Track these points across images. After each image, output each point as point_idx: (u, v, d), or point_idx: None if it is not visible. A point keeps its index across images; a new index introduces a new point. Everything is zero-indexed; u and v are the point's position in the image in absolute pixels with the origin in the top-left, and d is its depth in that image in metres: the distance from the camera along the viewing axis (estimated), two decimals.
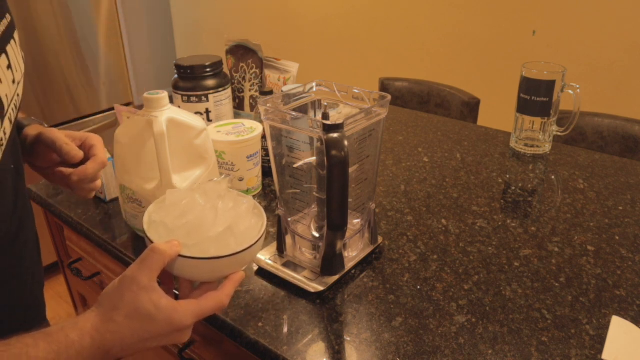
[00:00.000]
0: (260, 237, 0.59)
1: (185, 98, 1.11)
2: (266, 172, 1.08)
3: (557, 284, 0.78)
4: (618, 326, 0.70)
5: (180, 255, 0.55)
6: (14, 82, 0.55)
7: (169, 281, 0.58)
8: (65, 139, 0.68)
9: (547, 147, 1.22)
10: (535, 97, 1.16)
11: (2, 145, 0.53)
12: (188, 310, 0.53)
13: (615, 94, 1.77)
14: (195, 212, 0.60)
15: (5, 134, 0.53)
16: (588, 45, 1.78)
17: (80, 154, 0.68)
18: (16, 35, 0.59)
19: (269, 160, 1.05)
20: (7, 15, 0.57)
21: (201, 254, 0.56)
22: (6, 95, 0.53)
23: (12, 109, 0.56)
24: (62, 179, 0.70)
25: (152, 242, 0.56)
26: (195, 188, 0.64)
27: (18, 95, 0.58)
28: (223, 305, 0.56)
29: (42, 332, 0.49)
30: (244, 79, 1.26)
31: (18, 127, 0.71)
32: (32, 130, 0.71)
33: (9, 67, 0.54)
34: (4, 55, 0.54)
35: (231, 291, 0.58)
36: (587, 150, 1.24)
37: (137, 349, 0.53)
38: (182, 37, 3.13)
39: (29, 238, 0.66)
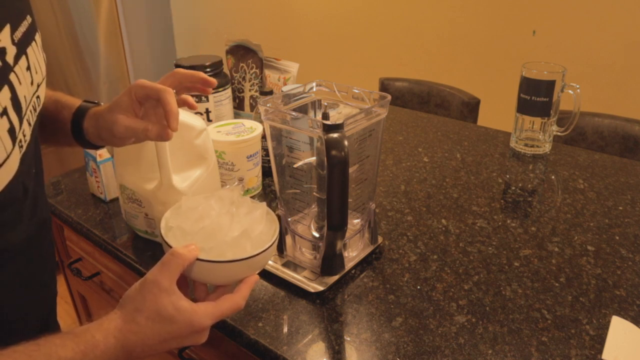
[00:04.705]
0: (274, 241, 0.61)
1: None
2: (266, 172, 1.07)
3: (557, 284, 0.78)
4: (618, 326, 0.70)
5: (198, 259, 0.56)
6: (32, 83, 0.56)
7: (185, 286, 0.59)
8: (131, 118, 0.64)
9: (547, 147, 1.22)
10: (535, 97, 1.16)
11: (21, 146, 0.53)
12: (207, 312, 0.55)
13: (615, 94, 1.77)
14: (211, 217, 0.62)
15: (24, 135, 0.54)
16: (588, 45, 1.77)
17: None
18: (38, 37, 0.59)
19: (269, 160, 1.05)
20: (28, 17, 0.57)
21: (218, 258, 0.57)
22: (24, 97, 0.54)
23: (31, 111, 0.56)
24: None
25: (170, 246, 0.57)
26: (210, 195, 0.65)
27: (38, 97, 0.58)
28: (239, 307, 0.58)
29: (69, 333, 0.50)
30: (244, 79, 1.26)
31: (79, 114, 0.70)
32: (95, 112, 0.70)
33: (28, 68, 0.55)
34: (23, 57, 0.54)
35: (247, 293, 0.59)
36: (587, 150, 1.24)
37: (158, 350, 0.54)
38: (182, 37, 3.12)
39: (46, 243, 0.66)
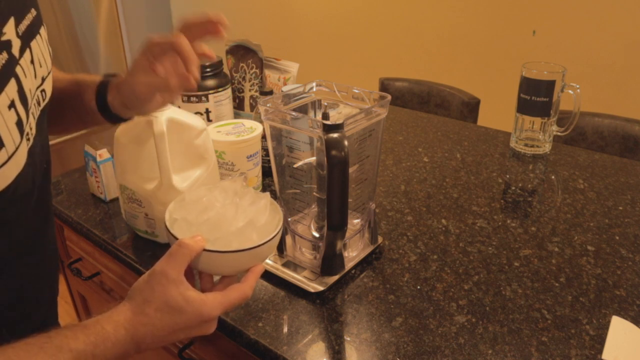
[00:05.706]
0: (279, 230, 0.61)
1: (185, 98, 1.11)
2: (266, 172, 1.07)
3: (557, 284, 0.78)
4: (618, 326, 0.70)
5: (205, 250, 0.56)
6: (36, 77, 0.56)
7: (191, 277, 0.59)
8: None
9: (547, 147, 1.22)
10: (535, 97, 1.16)
11: (29, 139, 0.53)
12: (215, 302, 0.55)
13: (615, 94, 1.77)
14: (215, 208, 0.62)
15: (31, 128, 0.54)
16: (588, 45, 1.77)
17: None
18: (43, 31, 0.59)
19: (269, 160, 1.05)
20: (33, 10, 0.57)
21: (225, 248, 0.58)
22: (30, 90, 0.54)
23: (35, 105, 0.56)
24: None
25: (176, 238, 0.57)
26: (213, 186, 0.65)
27: (43, 91, 0.58)
28: (247, 297, 0.58)
29: (80, 325, 0.51)
30: (244, 79, 1.26)
31: (101, 92, 0.69)
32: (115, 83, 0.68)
33: (32, 61, 0.55)
34: (27, 50, 0.54)
35: (253, 283, 0.59)
36: (587, 150, 1.24)
37: (167, 341, 0.54)
38: None
39: (49, 240, 0.66)
